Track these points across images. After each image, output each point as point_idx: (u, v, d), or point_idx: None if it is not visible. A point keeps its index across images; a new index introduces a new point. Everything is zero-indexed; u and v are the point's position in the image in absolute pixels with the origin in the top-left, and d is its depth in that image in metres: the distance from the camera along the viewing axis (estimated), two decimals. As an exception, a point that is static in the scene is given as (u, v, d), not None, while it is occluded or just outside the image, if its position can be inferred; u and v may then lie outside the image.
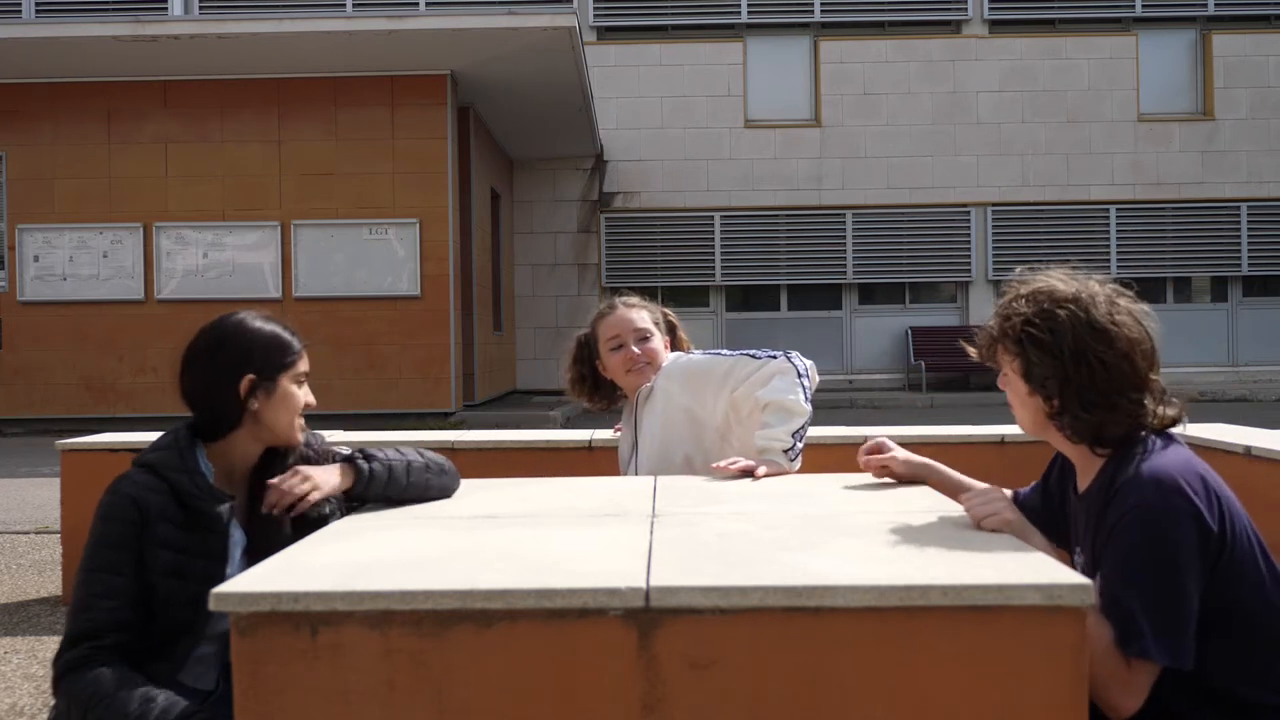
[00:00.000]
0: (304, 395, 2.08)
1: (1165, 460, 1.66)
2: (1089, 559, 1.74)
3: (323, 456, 2.14)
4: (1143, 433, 1.74)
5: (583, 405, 2.97)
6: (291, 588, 1.36)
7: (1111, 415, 1.72)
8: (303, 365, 2.08)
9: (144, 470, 1.93)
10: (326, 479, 1.97)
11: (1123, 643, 1.53)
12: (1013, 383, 1.83)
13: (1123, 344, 1.72)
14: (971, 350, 1.93)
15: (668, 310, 2.98)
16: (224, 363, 2.00)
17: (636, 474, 2.77)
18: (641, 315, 2.82)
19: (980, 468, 3.91)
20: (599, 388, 2.91)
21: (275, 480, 1.95)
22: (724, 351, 2.73)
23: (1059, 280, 1.80)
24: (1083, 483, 1.83)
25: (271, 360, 2.02)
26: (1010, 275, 1.91)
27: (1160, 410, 1.75)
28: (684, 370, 2.72)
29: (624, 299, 2.89)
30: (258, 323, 2.05)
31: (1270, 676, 1.62)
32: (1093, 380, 1.71)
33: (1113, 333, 1.72)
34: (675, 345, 2.94)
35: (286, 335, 2.08)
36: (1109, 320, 1.73)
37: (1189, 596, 1.56)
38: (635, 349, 2.77)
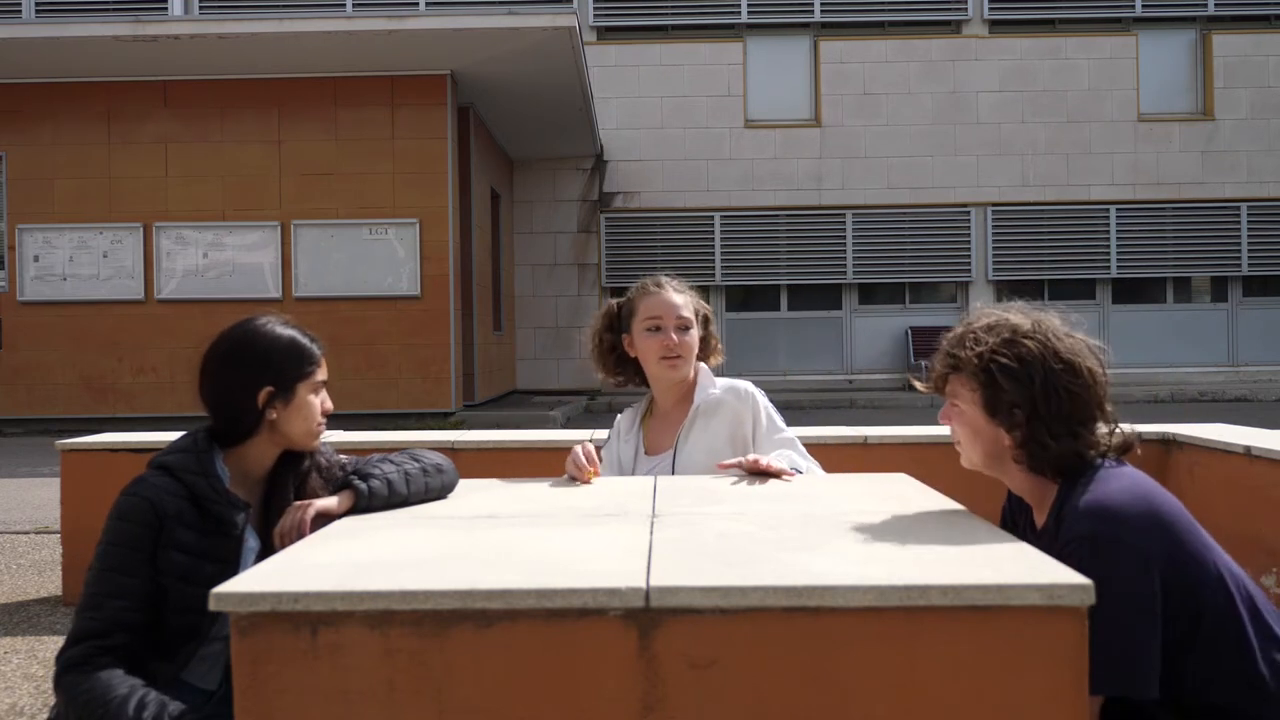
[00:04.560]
0: (322, 402, 2.08)
1: (1107, 489, 1.67)
2: None
3: (332, 467, 2.14)
4: (1096, 459, 1.76)
5: (598, 376, 2.76)
6: (291, 588, 1.35)
7: (1074, 444, 1.74)
8: (321, 374, 2.08)
9: (161, 472, 1.94)
10: (325, 505, 1.97)
11: None
12: (967, 415, 1.83)
13: (1085, 374, 1.76)
14: (922, 386, 1.95)
15: (704, 304, 2.77)
16: (241, 372, 2.00)
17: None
18: (686, 302, 2.63)
19: (980, 468, 3.92)
20: (623, 363, 2.71)
21: (277, 529, 1.95)
22: (780, 425, 2.63)
23: (1014, 314, 1.83)
24: (1040, 518, 1.84)
25: (289, 371, 2.02)
26: (965, 315, 1.92)
27: (1114, 438, 1.79)
28: (767, 416, 2.61)
29: (671, 281, 2.68)
30: (277, 330, 2.04)
31: (1238, 683, 1.61)
32: (1060, 409, 1.74)
33: (1077, 363, 1.76)
34: (705, 339, 2.74)
35: (306, 343, 2.06)
36: (1071, 351, 1.76)
37: (1128, 626, 1.55)
38: (674, 337, 2.58)
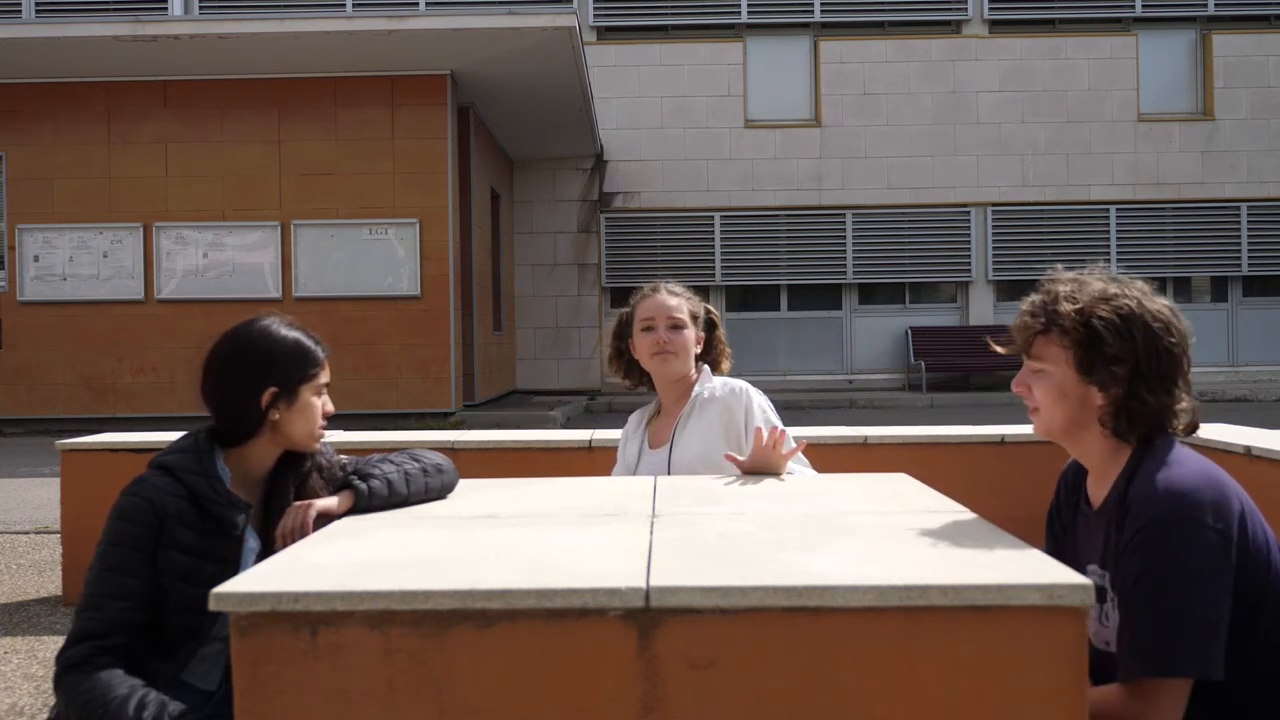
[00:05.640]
0: (324, 405, 2.08)
1: (1181, 471, 1.65)
2: (1112, 574, 1.72)
3: (332, 467, 2.14)
4: (1159, 439, 1.73)
5: (619, 380, 2.92)
6: (291, 588, 1.35)
7: (1169, 401, 1.72)
8: (324, 376, 2.08)
9: (162, 472, 1.93)
10: (325, 505, 1.97)
11: (1146, 665, 1.53)
12: (1055, 376, 1.77)
13: (1177, 334, 1.74)
14: (1000, 348, 1.91)
15: (711, 308, 2.92)
16: (245, 373, 2.00)
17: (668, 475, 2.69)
18: (679, 304, 2.78)
19: (980, 468, 3.92)
20: (631, 367, 2.88)
21: (279, 529, 1.96)
22: (773, 420, 2.70)
23: (1098, 278, 1.80)
24: (1098, 494, 1.81)
25: (294, 372, 2.02)
26: (1043, 276, 1.88)
27: (1192, 407, 1.77)
28: (760, 411, 2.68)
29: (669, 285, 2.84)
30: (282, 331, 2.04)
31: None
32: (1160, 366, 1.71)
33: (1171, 322, 1.73)
34: (712, 344, 2.89)
35: (310, 345, 2.07)
36: (1162, 311, 1.74)
37: (1210, 605, 1.55)
38: (663, 334, 2.73)
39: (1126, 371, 1.71)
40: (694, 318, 2.79)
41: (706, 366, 2.84)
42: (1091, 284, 1.78)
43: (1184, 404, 1.75)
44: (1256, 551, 1.61)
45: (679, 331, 2.74)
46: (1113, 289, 1.76)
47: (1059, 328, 1.75)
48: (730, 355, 2.95)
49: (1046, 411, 1.81)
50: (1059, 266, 1.87)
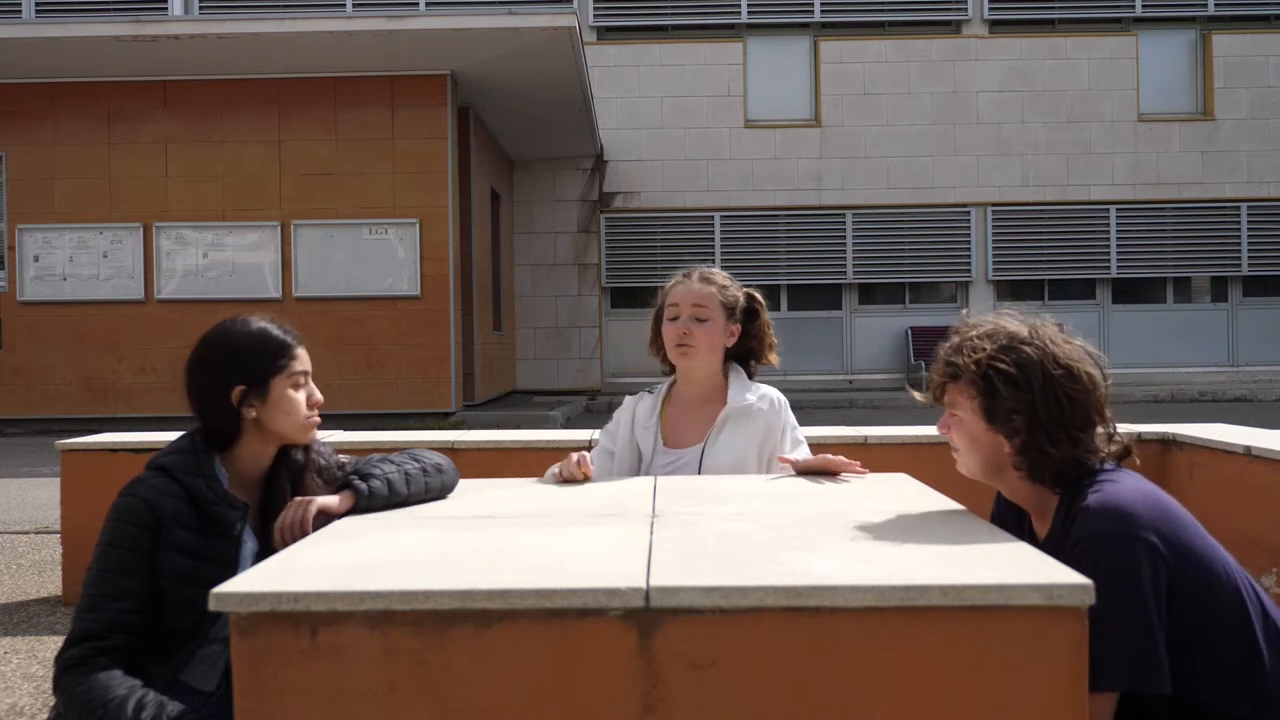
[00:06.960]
0: (305, 395, 2.04)
1: (1115, 488, 1.67)
2: None
3: (331, 467, 2.13)
4: (1096, 465, 1.75)
5: (659, 365, 2.76)
6: (291, 588, 1.35)
7: (1074, 450, 1.73)
8: (298, 365, 2.03)
9: (159, 473, 1.93)
10: (326, 503, 1.96)
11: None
12: (967, 424, 1.82)
13: (1084, 379, 1.75)
14: (920, 396, 1.96)
15: (755, 294, 2.74)
16: (213, 375, 1.97)
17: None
18: (711, 294, 2.61)
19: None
20: (663, 352, 2.72)
21: (279, 523, 1.93)
22: (798, 433, 2.66)
23: (1010, 321, 1.82)
24: (1042, 528, 1.83)
25: (259, 366, 1.98)
26: (957, 319, 1.92)
27: (1112, 445, 1.78)
28: (791, 429, 2.63)
29: (708, 271, 2.68)
30: (241, 328, 2.01)
31: (1247, 689, 1.61)
32: (1060, 416, 1.73)
33: (1075, 368, 1.75)
34: (750, 334, 2.71)
35: (277, 336, 2.02)
36: (1069, 357, 1.76)
37: (1148, 620, 1.54)
38: (684, 325, 2.58)
39: (1024, 422, 1.74)
40: (729, 309, 2.64)
41: (737, 367, 2.69)
42: (1001, 330, 1.80)
43: (1099, 446, 1.76)
44: (1198, 568, 1.61)
45: (702, 324, 2.59)
46: (1023, 334, 1.78)
47: (965, 377, 1.79)
48: (777, 348, 2.75)
49: (965, 455, 1.86)
50: (970, 317, 1.89)
